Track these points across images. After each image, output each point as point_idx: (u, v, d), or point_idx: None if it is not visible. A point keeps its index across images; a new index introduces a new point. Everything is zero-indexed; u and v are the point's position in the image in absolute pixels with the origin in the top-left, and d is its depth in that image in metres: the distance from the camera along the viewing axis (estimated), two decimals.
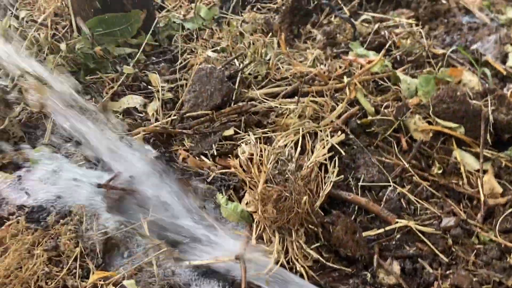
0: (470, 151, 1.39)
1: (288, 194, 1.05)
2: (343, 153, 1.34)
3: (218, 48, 1.73)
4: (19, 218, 1.07)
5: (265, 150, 1.19)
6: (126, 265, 1.01)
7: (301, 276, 1.02)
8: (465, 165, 1.35)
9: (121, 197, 1.14)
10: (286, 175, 1.13)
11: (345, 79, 1.53)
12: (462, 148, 1.40)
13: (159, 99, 1.49)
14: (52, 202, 1.13)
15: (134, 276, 0.99)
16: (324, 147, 1.28)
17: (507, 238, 1.15)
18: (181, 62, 1.73)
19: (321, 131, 1.33)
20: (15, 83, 1.49)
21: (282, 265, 1.03)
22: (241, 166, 1.16)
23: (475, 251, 1.12)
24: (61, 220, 1.05)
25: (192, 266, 1.02)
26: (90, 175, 1.21)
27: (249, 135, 1.29)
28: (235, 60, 1.65)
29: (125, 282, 0.96)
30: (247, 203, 1.13)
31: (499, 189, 1.27)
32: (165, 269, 1.02)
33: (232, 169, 1.20)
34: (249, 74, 1.57)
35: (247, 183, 1.12)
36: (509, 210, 1.19)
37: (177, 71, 1.68)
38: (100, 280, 0.92)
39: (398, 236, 1.17)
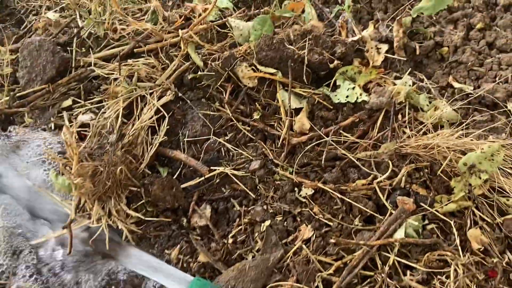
0: (292, 91, 1.56)
1: (102, 169, 1.22)
2: (176, 110, 1.49)
3: (58, 8, 1.71)
4: None
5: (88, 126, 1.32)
6: None
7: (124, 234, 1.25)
8: (285, 105, 1.53)
9: None
10: (106, 148, 1.28)
11: (180, 32, 1.60)
12: (286, 89, 1.57)
13: None
14: None
15: None
16: (151, 110, 1.42)
17: (303, 172, 1.38)
18: (26, 26, 1.72)
19: (150, 94, 1.45)
20: None
21: (108, 226, 1.24)
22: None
23: (275, 187, 1.36)
24: None
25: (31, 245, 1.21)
26: None
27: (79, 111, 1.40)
28: (78, 19, 1.67)
29: None
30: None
31: (307, 126, 1.47)
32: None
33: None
34: (87, 37, 1.60)
35: (61, 165, 1.27)
36: (309, 147, 1.42)
37: (24, 35, 1.69)
38: None
39: (217, 181, 1.39)
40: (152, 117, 1.40)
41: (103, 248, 1.22)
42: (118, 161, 1.24)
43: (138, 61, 1.51)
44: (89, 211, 1.25)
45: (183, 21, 1.65)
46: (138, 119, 1.39)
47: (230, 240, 1.26)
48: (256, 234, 1.27)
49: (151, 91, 1.44)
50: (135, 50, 1.55)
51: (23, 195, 1.27)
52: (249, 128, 1.49)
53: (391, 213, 1.24)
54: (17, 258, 1.18)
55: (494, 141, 1.23)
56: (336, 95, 1.52)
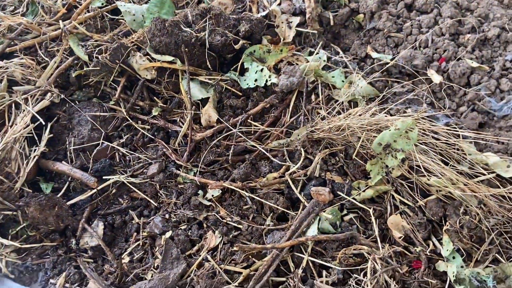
0: (197, 79, 1.38)
1: None
2: (62, 114, 1.30)
3: None
4: None
5: None
6: None
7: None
8: (192, 96, 1.36)
9: None
10: None
11: (61, 23, 1.39)
12: (191, 78, 1.39)
13: None
14: None
15: None
16: (26, 117, 1.22)
17: (210, 171, 1.22)
18: None
19: (25, 99, 1.25)
20: None
21: None
22: None
23: (178, 191, 1.20)
24: None
25: None
26: None
27: None
28: None
29: None
30: None
31: (215, 118, 1.30)
32: None
33: None
34: None
35: None
36: (215, 141, 1.25)
37: None
38: None
39: (113, 191, 1.21)
40: (28, 125, 1.20)
41: None
42: None
43: (11, 61, 1.29)
44: None
45: (66, 11, 1.44)
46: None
47: (127, 259, 1.10)
48: (157, 248, 1.11)
49: (25, 95, 1.24)
50: (8, 49, 1.33)
51: None
52: (148, 127, 1.31)
53: (304, 207, 1.11)
54: None
55: (407, 116, 1.10)
56: (245, 80, 1.36)
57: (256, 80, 1.33)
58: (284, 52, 1.38)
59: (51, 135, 1.24)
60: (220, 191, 1.17)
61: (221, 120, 1.29)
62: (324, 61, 1.35)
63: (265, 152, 1.21)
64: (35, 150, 1.20)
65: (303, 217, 1.07)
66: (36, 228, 1.12)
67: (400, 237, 1.05)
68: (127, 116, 1.30)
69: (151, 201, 1.19)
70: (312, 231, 1.05)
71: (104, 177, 1.20)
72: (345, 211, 1.11)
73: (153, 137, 1.29)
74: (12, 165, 1.16)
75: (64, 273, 1.07)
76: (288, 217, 1.12)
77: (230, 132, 1.26)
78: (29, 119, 1.20)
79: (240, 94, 1.34)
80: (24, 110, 1.21)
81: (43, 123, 1.20)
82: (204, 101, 1.34)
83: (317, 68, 1.25)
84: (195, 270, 1.06)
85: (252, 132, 1.27)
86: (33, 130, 1.21)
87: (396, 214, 1.07)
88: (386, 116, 1.13)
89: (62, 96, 1.28)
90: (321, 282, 0.98)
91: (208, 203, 1.16)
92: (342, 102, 1.24)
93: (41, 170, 1.22)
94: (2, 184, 1.11)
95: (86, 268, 1.07)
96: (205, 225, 1.13)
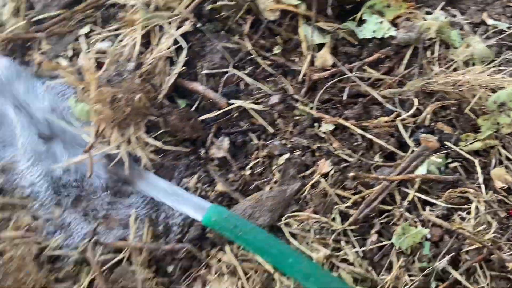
0: (316, 25, 1.49)
1: (121, 95, 1.20)
2: (194, 41, 1.44)
3: None
4: None
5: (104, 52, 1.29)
6: None
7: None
8: (308, 40, 1.47)
9: None
10: (124, 75, 1.26)
11: None
12: (309, 24, 1.49)
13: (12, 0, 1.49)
14: None
15: None
16: (170, 39, 1.37)
17: (323, 108, 1.35)
18: None
19: (169, 23, 1.40)
20: None
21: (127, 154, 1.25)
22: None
23: (294, 122, 1.33)
24: None
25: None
26: None
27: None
28: None
29: None
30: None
31: (330, 62, 1.41)
32: None
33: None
34: None
35: (79, 91, 1.25)
36: (330, 83, 1.37)
37: None
38: None
39: (235, 115, 1.36)
40: (170, 47, 1.36)
41: (122, 174, 1.23)
42: (137, 88, 1.22)
43: None
44: (107, 139, 1.25)
45: None
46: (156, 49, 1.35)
47: (248, 172, 1.26)
48: (274, 167, 1.26)
49: (169, 20, 1.39)
50: None
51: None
52: (269, 63, 1.44)
53: (413, 151, 1.22)
54: None
55: None
56: (361, 31, 1.45)
57: (374, 32, 1.42)
58: (403, 8, 1.45)
59: (186, 58, 1.39)
60: (333, 127, 1.29)
61: (337, 64, 1.40)
62: (442, 21, 1.41)
63: (378, 98, 1.31)
64: (173, 69, 1.36)
65: (414, 157, 1.18)
66: (174, 135, 1.29)
67: (502, 187, 1.14)
68: (251, 51, 1.43)
69: (269, 127, 1.33)
70: (421, 171, 1.16)
71: (229, 101, 1.35)
72: (449, 160, 1.21)
73: (272, 72, 1.42)
74: (156, 78, 1.32)
75: (196, 175, 1.25)
76: (396, 157, 1.23)
77: (346, 76, 1.37)
78: (172, 41, 1.36)
79: (356, 43, 1.44)
80: (167, 33, 1.37)
81: (184, 45, 1.36)
82: (320, 46, 1.45)
83: (442, 23, 1.32)
84: (309, 189, 1.20)
85: (366, 79, 1.37)
86: (174, 52, 1.37)
87: (500, 167, 1.16)
88: (503, 77, 1.20)
89: (199, 25, 1.42)
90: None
91: (322, 135, 1.29)
92: (457, 62, 1.31)
93: (177, 88, 1.38)
94: (149, 93, 1.28)
95: (215, 173, 1.24)
96: (317, 154, 1.27)
